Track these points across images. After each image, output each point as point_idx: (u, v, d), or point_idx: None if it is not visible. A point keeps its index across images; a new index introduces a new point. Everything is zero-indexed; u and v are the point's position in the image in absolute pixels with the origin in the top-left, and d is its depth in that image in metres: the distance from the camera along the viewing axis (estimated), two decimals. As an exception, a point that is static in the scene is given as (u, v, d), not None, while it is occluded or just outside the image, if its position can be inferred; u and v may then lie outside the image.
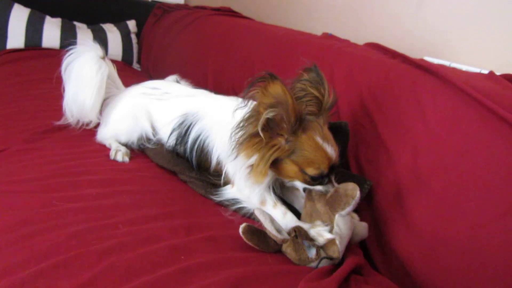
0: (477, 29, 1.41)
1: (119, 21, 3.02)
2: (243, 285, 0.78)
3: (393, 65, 1.25)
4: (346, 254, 0.95)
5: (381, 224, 1.08)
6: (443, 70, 1.08)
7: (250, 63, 1.84)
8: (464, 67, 1.34)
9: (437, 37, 1.54)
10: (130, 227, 0.93)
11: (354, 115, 1.27)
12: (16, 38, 2.57)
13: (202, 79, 2.10)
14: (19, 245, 0.84)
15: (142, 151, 1.42)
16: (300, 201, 1.12)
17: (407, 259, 0.98)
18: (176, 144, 1.30)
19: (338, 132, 1.11)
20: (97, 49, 1.50)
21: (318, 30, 1.87)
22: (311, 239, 0.92)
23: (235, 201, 1.11)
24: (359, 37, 1.68)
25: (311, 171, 0.98)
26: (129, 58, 2.97)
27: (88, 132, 1.49)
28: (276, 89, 0.89)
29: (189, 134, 1.24)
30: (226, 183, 1.16)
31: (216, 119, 1.21)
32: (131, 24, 3.06)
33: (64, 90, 1.45)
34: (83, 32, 2.76)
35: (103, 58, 1.50)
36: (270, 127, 0.95)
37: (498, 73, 1.12)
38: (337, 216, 0.93)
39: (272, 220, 0.94)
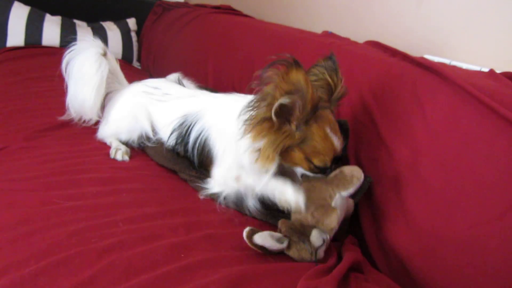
0: (477, 27, 1.41)
1: (119, 19, 3.01)
2: (243, 283, 0.78)
3: (393, 63, 1.24)
4: (343, 251, 0.97)
5: (381, 222, 1.08)
6: (443, 68, 1.08)
7: (250, 61, 1.84)
8: (464, 65, 1.34)
9: (437, 35, 1.53)
10: (130, 225, 0.93)
11: (354, 112, 1.26)
12: (16, 36, 2.57)
13: (202, 77, 2.10)
14: (19, 243, 0.84)
15: (143, 149, 1.42)
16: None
17: (407, 257, 0.98)
18: (176, 144, 1.30)
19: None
20: (98, 46, 1.49)
21: (318, 28, 1.87)
22: (306, 234, 0.93)
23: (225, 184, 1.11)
24: (359, 35, 1.68)
25: (317, 162, 0.99)
26: (129, 56, 2.97)
27: (88, 129, 1.49)
28: (298, 77, 0.87)
29: (189, 134, 1.24)
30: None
31: (217, 117, 1.20)
32: (131, 22, 3.05)
33: (67, 87, 1.45)
34: (83, 30, 2.75)
35: (104, 54, 1.49)
36: (282, 112, 0.93)
37: (498, 71, 1.12)
38: (337, 195, 0.95)
39: (271, 235, 0.92)
